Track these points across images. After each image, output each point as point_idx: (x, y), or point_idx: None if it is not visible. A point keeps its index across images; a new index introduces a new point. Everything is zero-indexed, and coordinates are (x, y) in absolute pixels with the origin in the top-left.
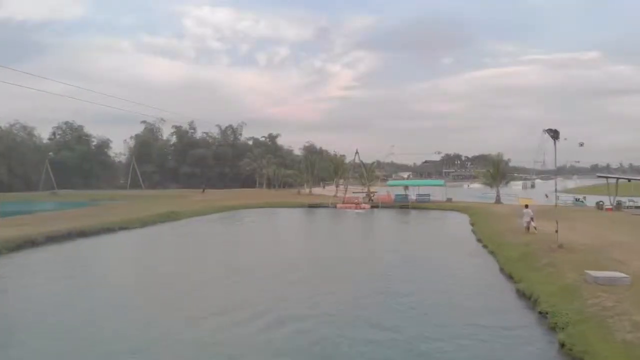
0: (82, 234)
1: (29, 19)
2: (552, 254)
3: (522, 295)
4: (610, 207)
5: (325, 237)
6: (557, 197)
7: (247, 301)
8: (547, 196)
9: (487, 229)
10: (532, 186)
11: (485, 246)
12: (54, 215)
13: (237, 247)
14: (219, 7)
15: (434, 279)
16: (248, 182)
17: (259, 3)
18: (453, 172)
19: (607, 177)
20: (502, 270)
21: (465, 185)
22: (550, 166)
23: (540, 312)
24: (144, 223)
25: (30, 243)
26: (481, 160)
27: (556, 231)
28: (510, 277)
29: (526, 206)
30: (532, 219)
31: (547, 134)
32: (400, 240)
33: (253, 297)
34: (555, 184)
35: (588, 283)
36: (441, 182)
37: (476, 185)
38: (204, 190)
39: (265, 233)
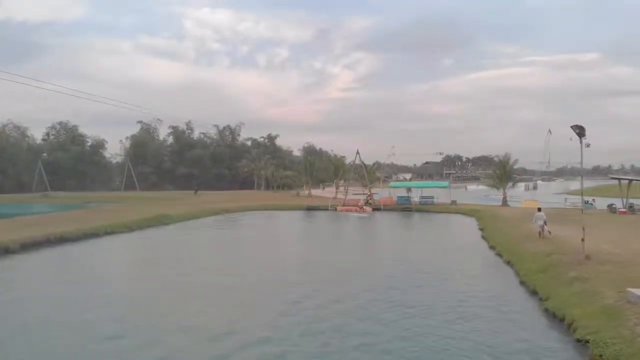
0: (62, 240)
1: (28, 19)
2: (579, 266)
3: (551, 316)
4: (624, 210)
5: (322, 246)
6: (570, 201)
7: None
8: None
9: (498, 235)
10: (535, 187)
11: (499, 254)
12: (38, 219)
13: (218, 264)
14: (219, 8)
15: (446, 292)
16: (246, 183)
17: (259, 4)
18: (454, 173)
19: (619, 179)
20: (523, 284)
21: (464, 187)
22: (554, 167)
23: (578, 340)
24: (131, 227)
25: (3, 251)
26: (482, 161)
27: (582, 240)
28: (534, 293)
29: (539, 209)
30: (545, 223)
31: (572, 130)
32: (405, 249)
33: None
34: (582, 186)
35: (632, 303)
36: (445, 183)
37: (476, 187)
38: (196, 192)
39: (256, 242)
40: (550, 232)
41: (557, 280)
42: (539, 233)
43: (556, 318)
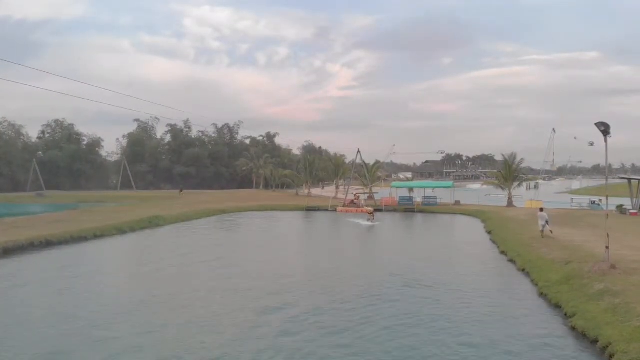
0: (48, 244)
1: (27, 18)
2: (604, 276)
3: (581, 336)
4: (635, 211)
5: (321, 259)
6: (576, 202)
7: None
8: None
9: (509, 239)
10: (536, 187)
11: (512, 261)
12: (26, 220)
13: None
14: (219, 6)
15: (455, 302)
16: (245, 182)
17: (259, 3)
18: (454, 172)
19: (630, 179)
20: (543, 296)
21: (466, 187)
22: (558, 166)
23: None
24: (123, 230)
25: None
26: (483, 160)
27: (607, 247)
28: (557, 307)
29: (541, 209)
30: (547, 222)
31: (597, 127)
32: (408, 255)
33: None
34: (606, 184)
35: None
36: (449, 183)
37: (476, 186)
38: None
39: (246, 249)
40: (552, 232)
41: (582, 294)
42: (542, 232)
43: (586, 339)
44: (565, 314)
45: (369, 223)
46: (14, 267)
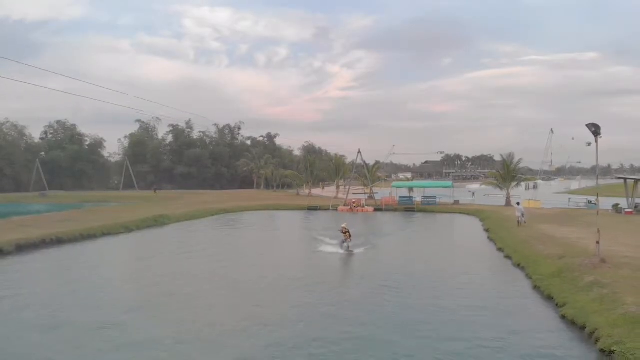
0: (59, 241)
1: (26, 18)
2: (595, 269)
3: (570, 324)
4: (630, 210)
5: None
6: (573, 201)
7: None
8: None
9: (506, 237)
10: (535, 187)
11: (508, 257)
12: (34, 219)
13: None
14: (218, 7)
15: (455, 288)
16: (246, 183)
17: (259, 3)
18: (453, 172)
19: (625, 179)
20: (536, 288)
21: (467, 187)
22: (553, 166)
23: (602, 350)
24: (129, 228)
25: None
26: (482, 160)
27: (597, 242)
28: (549, 298)
29: (517, 203)
30: (522, 214)
31: (588, 129)
32: (403, 251)
33: None
34: (597, 183)
35: None
36: (449, 183)
37: (475, 187)
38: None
39: (251, 250)
40: (525, 222)
41: (573, 286)
42: (518, 222)
43: (575, 326)
44: (557, 304)
45: (344, 250)
46: (24, 263)
